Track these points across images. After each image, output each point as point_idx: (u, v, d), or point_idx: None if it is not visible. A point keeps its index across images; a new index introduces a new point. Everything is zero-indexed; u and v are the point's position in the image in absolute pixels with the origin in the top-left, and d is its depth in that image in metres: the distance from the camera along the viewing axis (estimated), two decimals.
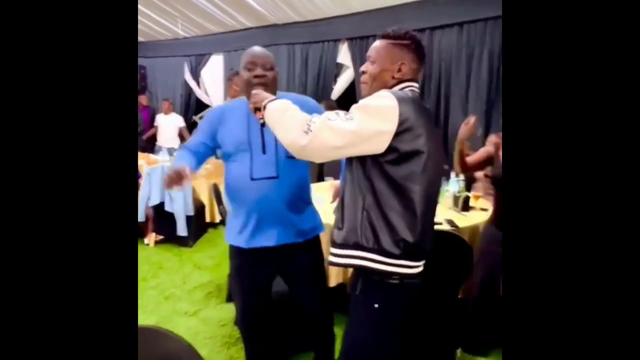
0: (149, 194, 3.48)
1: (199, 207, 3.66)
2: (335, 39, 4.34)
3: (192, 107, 6.09)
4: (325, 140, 1.02)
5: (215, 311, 2.48)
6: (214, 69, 5.64)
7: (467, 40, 3.51)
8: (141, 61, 6.09)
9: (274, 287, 1.61)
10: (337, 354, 1.58)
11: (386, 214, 1.07)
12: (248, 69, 1.39)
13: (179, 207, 3.44)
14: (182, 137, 5.38)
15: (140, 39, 5.94)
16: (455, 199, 2.56)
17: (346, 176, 1.15)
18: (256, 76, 1.36)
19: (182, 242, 3.54)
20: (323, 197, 2.09)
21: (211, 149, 1.50)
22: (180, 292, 2.73)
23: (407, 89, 1.15)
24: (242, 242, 1.45)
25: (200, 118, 6.16)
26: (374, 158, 1.06)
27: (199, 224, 3.71)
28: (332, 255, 1.15)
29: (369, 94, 1.16)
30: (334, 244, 1.15)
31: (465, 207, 2.49)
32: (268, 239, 1.43)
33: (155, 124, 5.53)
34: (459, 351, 1.89)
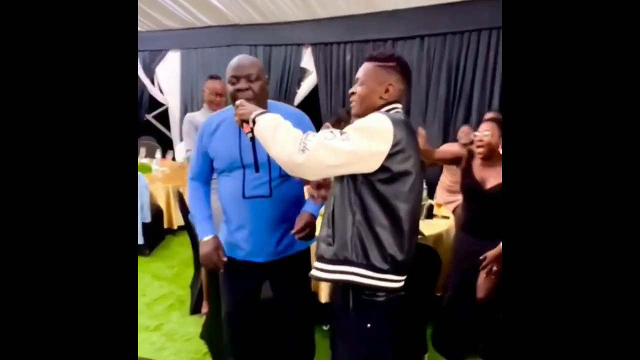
0: None
1: (156, 213, 3.49)
2: (298, 44, 4.33)
3: (144, 105, 5.77)
4: (322, 159, 1.04)
5: (179, 325, 2.38)
6: (170, 67, 5.38)
7: (427, 52, 3.65)
8: None
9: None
10: None
11: (375, 231, 1.10)
12: (231, 83, 1.34)
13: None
14: None
15: None
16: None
17: (335, 193, 1.17)
18: (239, 90, 1.32)
19: (138, 250, 3.35)
20: None
21: (212, 164, 1.48)
22: (140, 305, 2.58)
23: (394, 110, 1.19)
24: (236, 255, 1.46)
25: (154, 117, 5.86)
26: (365, 176, 1.09)
27: (156, 231, 3.53)
28: (319, 270, 1.16)
29: (358, 114, 1.21)
30: (322, 259, 1.16)
31: (429, 214, 2.60)
32: (258, 256, 1.43)
33: None
34: (426, 356, 1.96)
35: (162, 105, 5.68)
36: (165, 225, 3.62)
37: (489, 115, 2.46)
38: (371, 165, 1.07)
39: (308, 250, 1.57)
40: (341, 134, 1.07)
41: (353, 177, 1.11)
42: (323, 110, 4.25)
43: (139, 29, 5.23)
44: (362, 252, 1.11)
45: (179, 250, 3.49)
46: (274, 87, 4.55)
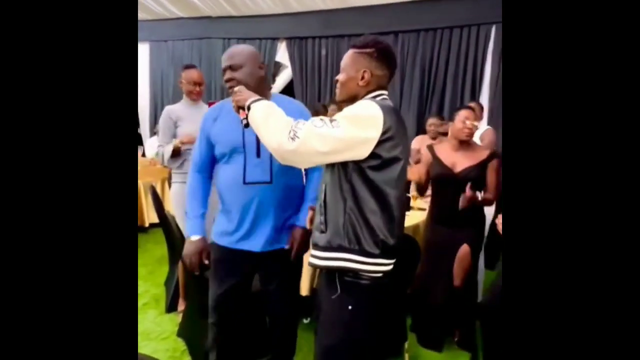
0: None
1: None
2: (273, 37, 4.28)
3: None
4: (312, 146, 1.04)
5: (155, 324, 2.30)
6: (139, 59, 5.19)
7: (402, 48, 3.71)
8: None
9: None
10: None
11: (366, 217, 1.12)
12: (223, 75, 1.36)
13: None
14: None
15: None
16: None
17: (326, 180, 1.17)
18: (226, 80, 1.35)
19: None
20: None
21: (212, 151, 1.46)
22: None
23: (380, 97, 1.19)
24: (227, 243, 1.43)
25: None
26: (356, 163, 1.10)
27: None
28: (315, 257, 1.18)
29: (340, 100, 1.24)
30: (317, 247, 1.17)
31: (407, 206, 2.65)
32: (254, 245, 1.41)
33: None
34: (406, 344, 2.00)
35: None
36: (137, 223, 3.50)
37: (470, 104, 2.55)
38: (362, 152, 1.08)
39: None
40: (331, 121, 1.07)
41: (344, 165, 1.12)
42: None
43: None
44: (354, 238, 1.12)
45: (152, 248, 3.39)
46: None
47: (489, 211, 2.32)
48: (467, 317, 2.08)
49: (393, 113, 1.12)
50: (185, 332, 2.13)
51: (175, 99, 3.74)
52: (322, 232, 1.15)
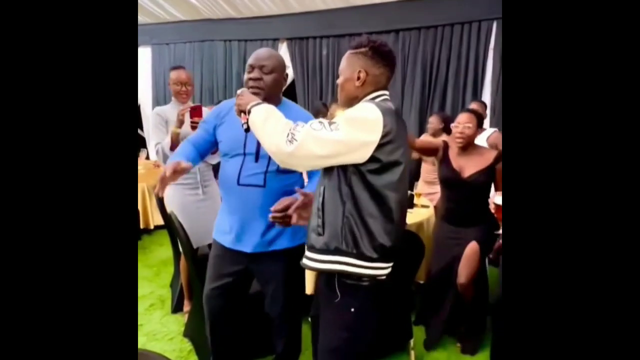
0: None
1: None
2: (274, 38, 4.29)
3: None
4: (310, 149, 1.03)
5: (161, 325, 2.32)
6: (140, 63, 5.22)
7: (403, 46, 3.71)
8: None
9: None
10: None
11: (365, 221, 1.10)
12: (247, 72, 1.37)
13: None
14: None
15: None
16: None
17: (324, 183, 1.16)
18: (251, 78, 1.35)
19: None
20: None
21: (213, 142, 1.49)
22: None
23: (380, 98, 1.18)
24: (225, 241, 1.46)
25: None
26: (356, 167, 1.09)
27: None
28: (310, 260, 1.16)
29: (341, 103, 1.23)
30: (312, 249, 1.16)
31: (410, 204, 2.65)
32: (245, 245, 1.42)
33: None
34: (412, 341, 2.00)
35: None
36: (142, 225, 3.50)
37: (471, 106, 2.53)
38: (361, 155, 1.06)
39: (299, 247, 1.55)
40: (330, 124, 1.06)
41: (343, 168, 1.10)
42: (300, 105, 4.23)
43: None
44: (352, 242, 1.11)
45: (157, 250, 3.40)
46: None
47: None
48: (474, 317, 2.07)
49: (393, 115, 1.11)
50: (191, 332, 2.14)
51: None
52: (319, 234, 1.14)
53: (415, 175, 3.43)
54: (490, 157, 1.97)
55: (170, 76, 2.32)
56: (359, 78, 1.17)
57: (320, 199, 1.15)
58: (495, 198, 2.15)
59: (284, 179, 1.41)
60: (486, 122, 3.11)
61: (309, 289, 1.33)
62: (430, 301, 2.15)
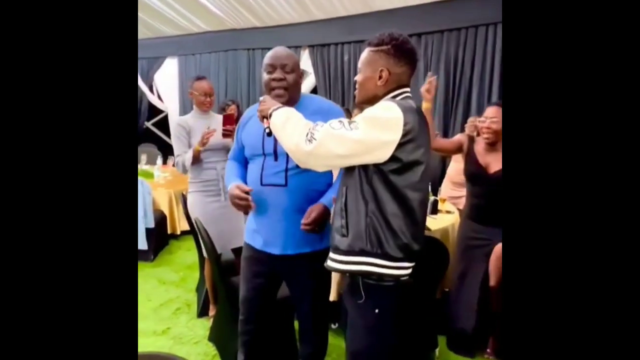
0: None
1: (160, 218, 3.48)
2: (296, 46, 4.34)
3: (143, 113, 5.78)
4: (329, 148, 1.03)
5: (187, 328, 2.37)
6: (169, 73, 5.40)
7: (425, 49, 3.66)
8: None
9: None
10: None
11: (389, 220, 1.10)
12: (268, 72, 1.37)
13: (139, 219, 3.24)
14: None
15: None
16: None
17: (346, 183, 1.16)
18: (274, 79, 1.35)
19: (142, 256, 3.34)
20: None
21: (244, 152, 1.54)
22: (146, 310, 2.56)
23: (401, 96, 1.17)
24: (255, 243, 1.48)
25: (155, 124, 5.86)
26: (377, 166, 1.09)
27: (159, 236, 3.52)
28: (335, 261, 1.16)
29: (360, 102, 1.22)
30: (337, 250, 1.16)
31: (434, 210, 2.60)
32: (274, 247, 1.43)
33: None
34: (437, 350, 1.95)
35: (161, 112, 5.69)
36: (169, 231, 3.61)
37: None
38: (381, 155, 1.06)
39: (327, 250, 1.55)
40: (349, 123, 1.06)
41: (364, 167, 1.10)
42: None
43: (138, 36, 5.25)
44: (376, 242, 1.10)
45: (183, 255, 3.48)
46: None
47: None
48: (501, 323, 2.00)
49: (415, 114, 1.09)
50: (216, 336, 2.17)
51: None
52: (343, 235, 1.13)
53: (439, 180, 3.37)
54: None
55: (193, 86, 2.39)
56: (380, 77, 1.16)
57: (343, 199, 1.15)
58: None
59: (307, 178, 1.39)
60: None
61: (333, 295, 1.33)
62: (456, 307, 2.10)
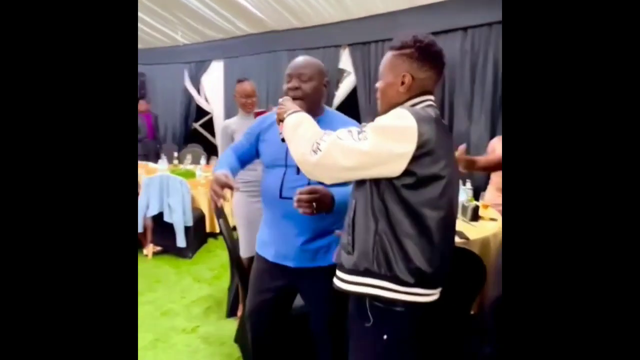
0: (147, 204, 3.40)
1: (199, 217, 3.58)
2: (336, 45, 4.27)
3: (192, 114, 6.03)
4: (335, 160, 0.95)
5: (215, 328, 2.39)
6: (214, 76, 5.58)
7: (472, 45, 3.43)
8: (141, 68, 6.03)
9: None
10: None
11: (400, 241, 0.99)
12: (286, 82, 1.35)
13: (178, 217, 3.35)
14: None
15: (139, 45, 5.89)
16: (464, 208, 2.47)
17: (356, 197, 1.06)
18: (289, 88, 1.32)
19: (181, 253, 3.46)
20: None
21: (254, 154, 1.49)
22: (178, 307, 2.63)
23: (423, 104, 1.06)
24: (269, 255, 1.43)
25: (201, 125, 6.09)
26: (389, 181, 0.98)
27: (198, 235, 3.62)
28: (340, 280, 1.07)
29: (382, 111, 1.10)
30: (342, 268, 1.07)
31: (475, 216, 2.41)
32: (289, 260, 1.38)
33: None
34: None
35: (208, 113, 5.89)
36: (208, 229, 3.70)
37: None
38: (394, 168, 0.96)
39: None
40: (359, 133, 0.97)
41: (376, 181, 1.01)
42: (362, 112, 4.15)
43: (185, 41, 5.47)
44: (385, 263, 1.00)
45: (220, 254, 3.55)
46: None
47: None
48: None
49: (432, 123, 0.98)
50: (241, 338, 2.16)
51: None
52: (348, 253, 1.04)
53: (484, 184, 3.13)
54: None
55: (235, 89, 2.42)
56: (403, 83, 1.06)
57: (352, 213, 1.06)
58: None
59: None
60: None
61: None
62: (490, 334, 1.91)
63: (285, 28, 4.56)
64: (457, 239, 2.11)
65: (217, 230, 3.76)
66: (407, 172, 0.96)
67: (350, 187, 1.16)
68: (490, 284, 1.86)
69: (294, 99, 1.29)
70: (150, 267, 3.31)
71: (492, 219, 2.45)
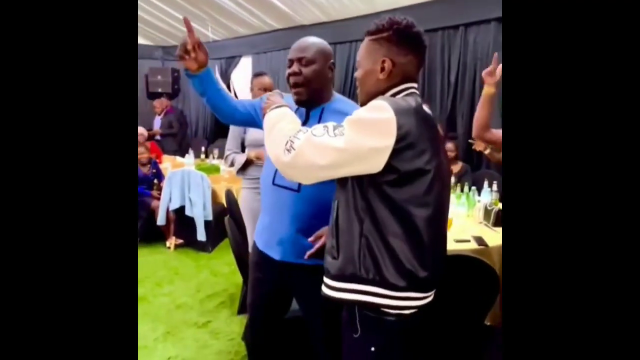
0: (169, 197, 3.48)
1: (220, 212, 3.62)
2: (362, 39, 4.17)
3: None
4: (309, 159, 0.88)
5: (225, 324, 2.40)
6: (243, 71, 5.64)
7: (495, 35, 3.22)
8: (174, 65, 6.21)
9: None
10: None
11: (388, 241, 0.91)
12: (287, 66, 1.26)
13: (199, 211, 3.41)
14: None
15: (171, 42, 6.05)
16: (487, 212, 2.32)
17: (338, 198, 0.99)
18: (289, 74, 1.24)
19: (201, 247, 3.52)
20: None
21: (246, 116, 1.36)
22: (192, 301, 2.67)
23: (404, 92, 0.98)
24: (259, 242, 1.39)
25: None
26: (372, 177, 0.91)
27: (218, 229, 3.66)
28: (327, 287, 1.00)
29: (362, 102, 1.02)
30: (328, 274, 1.00)
31: (498, 221, 2.25)
32: (274, 251, 1.32)
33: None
34: None
35: None
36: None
37: None
38: (373, 164, 0.88)
39: None
40: (335, 128, 0.90)
41: (358, 180, 0.93)
42: None
43: (216, 37, 5.55)
44: (373, 267, 0.92)
45: None
46: (338, 85, 4.46)
47: None
48: None
49: (413, 114, 0.89)
50: (248, 336, 2.16)
51: None
52: (333, 257, 0.98)
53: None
54: None
55: (252, 82, 2.40)
56: (382, 69, 0.98)
57: (335, 214, 0.99)
58: None
59: (324, 186, 1.25)
60: None
61: None
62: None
63: (312, 22, 4.51)
64: (474, 245, 1.97)
65: None
66: (388, 168, 0.88)
67: None
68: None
69: (295, 85, 1.22)
70: (172, 259, 3.39)
71: None
